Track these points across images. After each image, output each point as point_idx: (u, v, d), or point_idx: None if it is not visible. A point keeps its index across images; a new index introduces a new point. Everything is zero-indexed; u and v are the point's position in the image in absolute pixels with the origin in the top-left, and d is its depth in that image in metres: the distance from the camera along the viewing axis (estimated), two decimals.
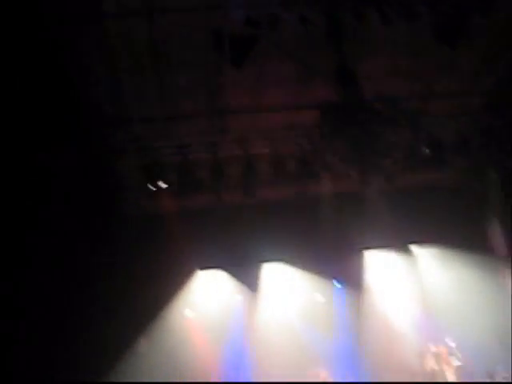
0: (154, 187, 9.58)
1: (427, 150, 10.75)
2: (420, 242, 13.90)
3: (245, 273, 13.25)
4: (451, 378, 12.23)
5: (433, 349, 12.48)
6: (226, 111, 9.69)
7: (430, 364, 12.34)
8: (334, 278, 14.00)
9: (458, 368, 12.23)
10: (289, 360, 13.61)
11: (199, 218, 11.78)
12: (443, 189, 13.04)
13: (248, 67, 8.39)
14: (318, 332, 13.93)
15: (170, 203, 10.93)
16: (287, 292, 13.94)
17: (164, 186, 9.59)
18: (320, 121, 9.09)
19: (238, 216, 12.18)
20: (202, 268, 12.96)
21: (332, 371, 13.27)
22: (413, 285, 13.86)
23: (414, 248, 14.14)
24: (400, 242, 13.88)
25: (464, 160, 11.16)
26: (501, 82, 10.38)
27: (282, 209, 12.52)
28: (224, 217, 12.06)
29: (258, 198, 11.46)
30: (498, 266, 13.08)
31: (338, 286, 14.31)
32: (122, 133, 9.43)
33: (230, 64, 7.87)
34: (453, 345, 12.38)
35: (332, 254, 13.42)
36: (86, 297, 10.31)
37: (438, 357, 12.29)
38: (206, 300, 13.24)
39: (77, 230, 9.28)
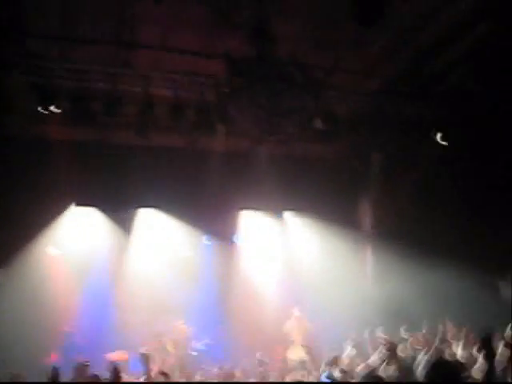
0: (45, 110, 8.89)
1: (320, 122, 11.02)
2: (295, 209, 14.34)
3: (120, 216, 12.91)
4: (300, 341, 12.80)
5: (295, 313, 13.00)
6: (132, 44, 9.22)
7: (287, 327, 12.86)
8: (206, 233, 14.10)
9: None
10: (148, 308, 13.66)
11: (85, 151, 11.27)
12: (325, 161, 13.57)
13: (162, 4, 8.12)
14: (181, 284, 14.05)
15: (57, 131, 10.32)
16: (158, 241, 13.86)
17: (56, 110, 8.94)
18: (227, 71, 9.02)
19: (124, 156, 11.78)
20: (78, 204, 12.40)
21: (191, 323, 13.49)
22: (282, 250, 14.36)
23: (288, 214, 14.60)
24: (276, 207, 14.26)
25: (352, 137, 11.59)
26: (401, 69, 10.87)
27: (171, 156, 12.33)
28: (110, 154, 11.63)
29: (149, 141, 11.20)
30: (363, 240, 13.93)
31: (208, 242, 14.52)
32: (15, 46, 8.64)
33: None
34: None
35: (210, 209, 13.47)
36: None
37: (296, 321, 12.77)
38: (74, 238, 12.75)
39: None
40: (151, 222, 13.54)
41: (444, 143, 11.20)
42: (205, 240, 14.55)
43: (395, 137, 11.22)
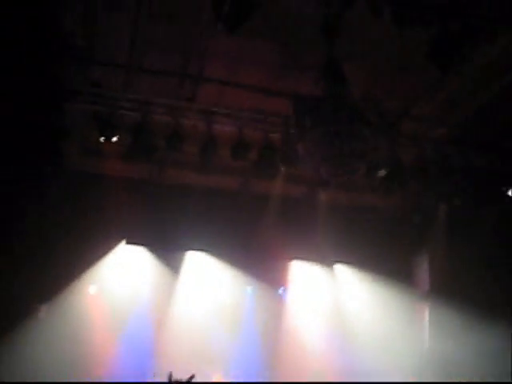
0: (105, 138, 8.62)
1: (383, 170, 10.53)
2: (347, 262, 13.66)
3: (169, 257, 12.45)
4: None
5: None
6: (198, 78, 8.98)
7: None
8: (254, 281, 13.51)
9: None
10: (188, 358, 13.08)
11: (139, 188, 10.96)
12: (383, 212, 12.99)
13: (233, 39, 7.88)
14: (224, 333, 13.46)
15: (114, 166, 10.08)
16: (204, 286, 13.33)
17: (115, 139, 8.66)
18: (295, 110, 8.65)
19: (178, 196, 11.46)
20: (128, 242, 11.99)
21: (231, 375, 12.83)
22: (332, 304, 13.61)
23: (339, 267, 13.92)
24: (328, 259, 13.63)
25: (415, 187, 11.04)
26: (471, 118, 10.38)
27: (226, 198, 11.92)
28: (165, 193, 11.30)
29: (205, 181, 10.91)
30: (419, 300, 13.13)
31: (251, 291, 13.94)
32: (79, 72, 8.48)
33: (222, 28, 7.31)
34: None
35: (260, 257, 12.96)
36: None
37: None
38: (120, 277, 12.29)
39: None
40: (199, 265, 13.01)
41: None
42: (249, 289, 14.06)
43: (461, 189, 10.62)
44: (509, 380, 10.42)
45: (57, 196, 10.03)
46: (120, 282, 12.23)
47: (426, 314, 12.94)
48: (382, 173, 10.50)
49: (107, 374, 11.83)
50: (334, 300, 13.64)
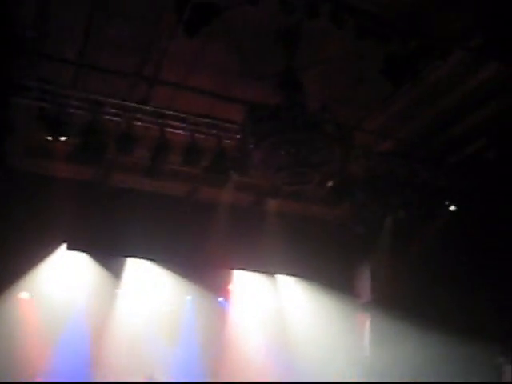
0: (52, 137, 8.22)
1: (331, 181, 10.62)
2: (291, 272, 13.65)
3: (110, 264, 12.04)
4: None
5: None
6: (152, 80, 8.75)
7: None
8: (195, 290, 13.28)
9: None
10: (126, 367, 12.71)
11: (83, 191, 10.55)
12: (327, 223, 13.10)
13: (191, 42, 7.74)
14: (162, 342, 13.17)
15: (60, 167, 9.68)
16: (143, 294, 12.99)
17: (63, 138, 8.27)
18: (249, 118, 8.56)
19: (124, 201, 11.11)
20: (69, 248, 11.49)
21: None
22: (273, 314, 13.55)
23: (282, 277, 13.90)
24: (271, 269, 13.59)
25: (361, 199, 11.15)
26: (418, 133, 10.64)
27: (172, 205, 11.69)
28: (110, 198, 10.94)
29: (152, 187, 10.65)
30: (359, 311, 13.29)
31: (189, 299, 13.72)
32: (27, 68, 8.06)
33: (183, 30, 7.17)
34: None
35: (203, 265, 12.79)
36: None
37: None
38: (56, 284, 11.76)
39: None
40: (140, 272, 12.65)
41: (455, 212, 10.96)
42: (189, 298, 13.82)
43: (407, 202, 10.85)
44: None
45: None
46: (58, 287, 11.71)
47: (366, 323, 13.10)
48: (329, 183, 10.61)
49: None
50: (276, 310, 13.60)
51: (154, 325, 13.14)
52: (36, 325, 11.57)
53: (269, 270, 13.57)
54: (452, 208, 10.97)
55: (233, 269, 13.57)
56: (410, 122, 10.50)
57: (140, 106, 8.82)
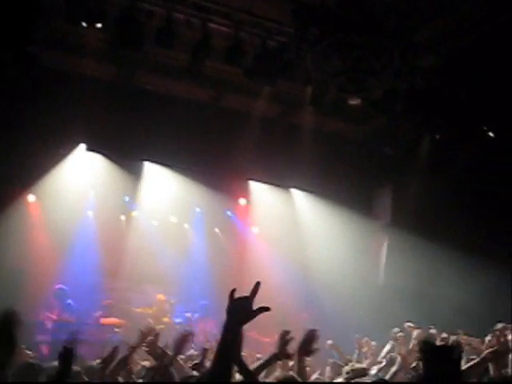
0: (87, 24, 7.42)
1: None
2: (306, 188, 13.26)
3: (125, 167, 11.49)
4: None
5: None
6: None
7: None
8: (208, 198, 12.80)
9: None
10: (132, 276, 12.49)
11: (105, 89, 9.81)
12: (350, 141, 12.59)
13: None
14: (170, 253, 12.91)
15: (81, 62, 8.94)
16: (153, 203, 12.56)
17: (99, 25, 7.49)
18: (300, 21, 7.83)
19: (146, 102, 10.43)
20: (88, 149, 10.87)
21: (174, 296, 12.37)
22: (286, 229, 13.22)
23: (297, 192, 13.51)
24: (286, 183, 13.20)
25: (393, 116, 10.53)
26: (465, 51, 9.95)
27: (197, 111, 11.01)
28: (131, 98, 10.23)
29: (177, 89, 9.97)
30: (377, 231, 13.03)
31: (198, 209, 13.34)
32: None
33: None
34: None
35: (219, 174, 12.36)
36: None
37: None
38: (69, 186, 11.21)
39: None
40: (153, 179, 12.18)
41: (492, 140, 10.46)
42: (198, 210, 13.46)
43: (446, 122, 10.30)
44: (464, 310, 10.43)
45: (16, 87, 8.77)
46: (73, 189, 11.19)
47: (383, 245, 12.85)
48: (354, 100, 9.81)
49: (55, 283, 11.04)
50: (289, 225, 13.24)
51: (162, 236, 12.92)
52: (48, 229, 11.17)
53: (286, 183, 13.18)
54: (490, 134, 10.45)
55: (249, 179, 13.15)
56: (460, 37, 9.79)
57: None
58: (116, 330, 10.73)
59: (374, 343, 8.39)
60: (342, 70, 7.25)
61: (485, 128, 10.46)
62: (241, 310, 2.66)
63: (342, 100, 9.79)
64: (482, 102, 10.28)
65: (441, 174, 11.05)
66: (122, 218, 12.62)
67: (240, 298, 2.69)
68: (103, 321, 11.02)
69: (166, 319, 11.71)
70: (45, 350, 9.38)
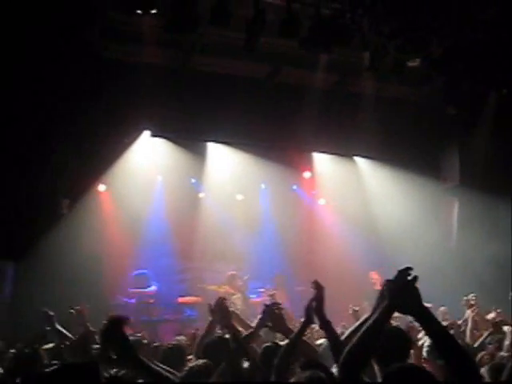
0: (141, 11, 7.55)
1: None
2: (370, 155, 13.09)
3: (189, 149, 11.71)
4: None
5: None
6: None
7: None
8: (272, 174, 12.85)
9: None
10: (204, 254, 12.75)
11: (162, 74, 9.90)
12: (414, 103, 12.30)
13: None
14: (238, 230, 13.08)
15: (139, 48, 9.13)
16: (219, 181, 12.70)
17: (154, 11, 7.61)
18: None
19: (203, 84, 10.56)
20: (153, 134, 11.13)
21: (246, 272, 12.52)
22: (353, 200, 13.13)
23: (361, 160, 13.36)
24: (349, 152, 13.09)
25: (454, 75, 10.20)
26: None
27: (251, 87, 11.05)
28: (189, 81, 10.38)
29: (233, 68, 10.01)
30: (446, 196, 12.76)
31: (262, 186, 13.39)
32: None
33: None
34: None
35: (281, 149, 12.40)
36: None
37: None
38: (137, 172, 11.52)
39: None
40: (218, 158, 12.36)
41: None
42: (263, 186, 13.53)
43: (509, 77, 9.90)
44: None
45: (77, 80, 9.05)
46: (141, 176, 11.50)
47: (454, 209, 12.58)
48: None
49: (129, 267, 11.43)
50: (356, 195, 13.15)
51: (229, 214, 13.07)
52: (120, 216, 11.51)
53: (349, 152, 13.09)
54: None
55: (312, 151, 13.10)
56: None
57: None
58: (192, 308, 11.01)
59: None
60: (400, 30, 7.07)
61: None
62: (406, 297, 2.60)
63: (401, 63, 9.61)
64: None
65: (509, 129, 10.66)
66: (191, 199, 12.80)
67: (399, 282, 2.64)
68: (180, 300, 11.34)
69: (239, 295, 11.89)
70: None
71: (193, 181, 12.78)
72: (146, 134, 11.04)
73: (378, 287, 3.57)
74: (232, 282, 11.98)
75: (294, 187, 13.95)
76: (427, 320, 2.61)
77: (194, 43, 9.48)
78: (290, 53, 9.89)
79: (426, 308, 2.63)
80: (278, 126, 11.59)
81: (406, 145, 12.39)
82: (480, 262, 11.10)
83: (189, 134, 11.20)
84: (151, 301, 10.92)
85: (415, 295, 2.60)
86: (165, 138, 11.36)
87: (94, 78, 9.12)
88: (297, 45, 8.69)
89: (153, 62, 9.89)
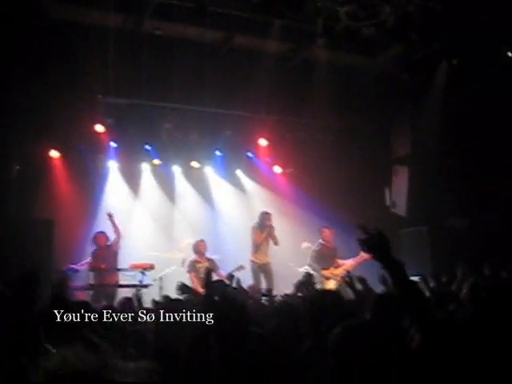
0: None
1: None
2: (324, 123, 13.17)
3: (144, 115, 11.56)
4: None
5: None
6: None
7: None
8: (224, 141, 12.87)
9: None
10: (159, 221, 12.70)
11: (113, 38, 9.71)
12: (363, 73, 12.37)
13: None
14: (193, 199, 13.12)
15: (90, 11, 8.91)
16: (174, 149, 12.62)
17: None
18: None
19: (156, 48, 10.42)
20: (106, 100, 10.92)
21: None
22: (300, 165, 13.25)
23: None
24: (304, 120, 13.14)
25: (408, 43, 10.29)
26: None
27: (206, 52, 10.95)
28: (141, 45, 10.22)
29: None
30: (396, 163, 13.00)
31: (217, 152, 13.39)
32: None
33: None
34: None
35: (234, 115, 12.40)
36: None
37: None
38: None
39: None
40: (173, 125, 12.22)
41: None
42: (217, 151, 13.45)
43: (463, 46, 10.05)
44: None
45: (26, 41, 8.80)
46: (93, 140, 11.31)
47: (404, 177, 12.79)
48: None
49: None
50: (310, 162, 13.24)
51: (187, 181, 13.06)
52: (73, 182, 11.34)
53: (303, 120, 13.13)
54: (510, 55, 10.15)
55: (266, 118, 13.08)
56: None
57: None
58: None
59: None
60: None
61: (504, 50, 10.19)
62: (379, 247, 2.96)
63: (355, 31, 9.66)
64: (499, 23, 10.01)
65: (459, 100, 10.86)
66: (144, 166, 12.69)
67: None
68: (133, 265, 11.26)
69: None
70: (81, 296, 9.70)
71: (148, 147, 12.65)
72: (99, 98, 10.83)
73: None
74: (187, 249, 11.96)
75: (249, 154, 13.91)
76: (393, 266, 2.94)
77: (144, 6, 9.26)
78: (243, 18, 9.84)
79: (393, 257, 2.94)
80: (233, 92, 11.58)
81: (358, 113, 12.53)
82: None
83: (142, 99, 11.01)
84: (105, 266, 10.83)
85: (386, 245, 2.95)
86: (118, 103, 11.15)
87: (44, 40, 8.86)
88: (250, 9, 8.65)
89: (103, 25, 9.67)
